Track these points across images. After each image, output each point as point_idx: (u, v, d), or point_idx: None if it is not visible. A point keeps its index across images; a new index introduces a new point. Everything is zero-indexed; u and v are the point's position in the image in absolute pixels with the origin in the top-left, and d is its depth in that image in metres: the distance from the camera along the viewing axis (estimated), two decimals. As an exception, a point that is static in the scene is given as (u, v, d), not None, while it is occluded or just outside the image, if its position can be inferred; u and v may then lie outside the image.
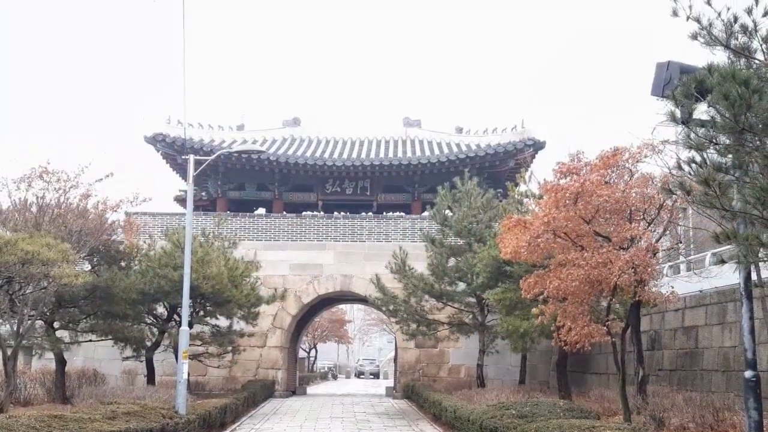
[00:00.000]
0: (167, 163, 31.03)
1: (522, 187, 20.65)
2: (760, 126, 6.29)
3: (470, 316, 23.04)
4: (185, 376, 16.16)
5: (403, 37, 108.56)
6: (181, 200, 30.24)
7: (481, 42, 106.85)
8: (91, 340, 20.69)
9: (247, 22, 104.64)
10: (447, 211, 23.67)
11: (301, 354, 45.00)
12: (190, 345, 17.22)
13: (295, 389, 31.33)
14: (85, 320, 19.56)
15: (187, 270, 16.89)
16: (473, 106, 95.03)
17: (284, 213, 29.76)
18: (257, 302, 23.21)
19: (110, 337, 19.93)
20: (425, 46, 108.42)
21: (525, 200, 19.41)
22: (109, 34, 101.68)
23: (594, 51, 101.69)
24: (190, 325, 18.84)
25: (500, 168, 29.51)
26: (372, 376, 61.08)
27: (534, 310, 14.97)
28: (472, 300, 22.64)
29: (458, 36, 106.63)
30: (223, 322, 22.89)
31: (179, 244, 19.30)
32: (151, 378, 21.28)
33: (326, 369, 61.45)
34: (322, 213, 30.16)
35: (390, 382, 39.46)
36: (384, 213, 30.69)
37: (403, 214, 30.46)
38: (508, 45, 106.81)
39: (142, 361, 21.69)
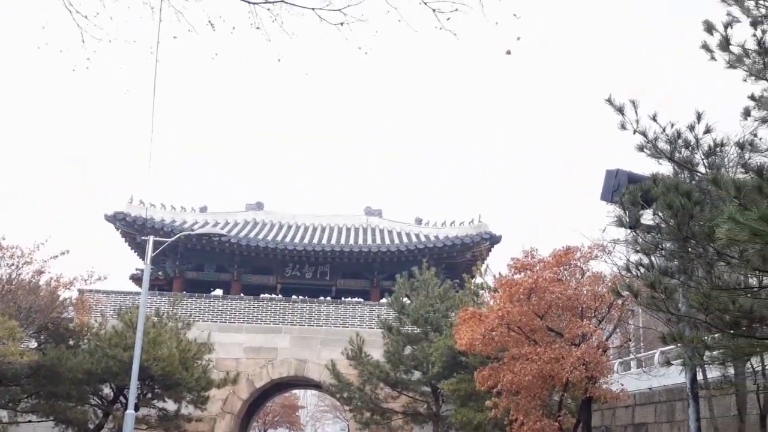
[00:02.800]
0: (126, 241, 30.71)
1: (478, 280, 21.00)
2: (702, 235, 6.67)
3: (425, 406, 22.78)
4: (129, 462, 15.55)
5: (365, 129, 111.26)
6: (137, 279, 29.76)
7: (441, 139, 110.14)
8: (30, 421, 19.79)
9: (214, 108, 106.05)
10: (405, 299, 23.79)
11: (250, 441, 43.46)
12: (135, 428, 16.64)
13: (241, 479, 30.13)
14: (26, 399, 18.79)
15: (137, 351, 16.54)
16: (432, 200, 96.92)
17: (242, 295, 29.45)
18: (208, 386, 22.59)
19: (52, 418, 19.12)
20: (388, 138, 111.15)
21: (481, 292, 19.70)
22: (73, 110, 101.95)
23: (551, 152, 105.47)
24: (137, 408, 18.24)
25: (457, 259, 29.97)
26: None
27: (488, 403, 14.98)
28: (428, 389, 22.46)
29: (420, 130, 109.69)
30: (170, 405, 22.14)
31: (131, 324, 18.93)
32: (91, 463, 20.32)
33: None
34: (280, 296, 29.94)
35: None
36: (343, 298, 30.61)
37: (361, 300, 30.42)
38: (469, 142, 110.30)
39: (83, 445, 20.77)
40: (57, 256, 18.80)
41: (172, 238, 19.68)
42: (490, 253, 30.42)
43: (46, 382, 17.82)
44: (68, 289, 19.22)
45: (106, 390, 20.81)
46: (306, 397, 60.46)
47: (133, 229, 28.82)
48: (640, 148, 7.45)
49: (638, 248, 7.80)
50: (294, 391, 50.11)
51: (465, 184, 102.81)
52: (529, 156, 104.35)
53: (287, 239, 30.23)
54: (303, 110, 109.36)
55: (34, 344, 18.69)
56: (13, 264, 17.68)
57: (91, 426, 20.24)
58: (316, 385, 28.53)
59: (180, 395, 21.42)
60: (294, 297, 29.58)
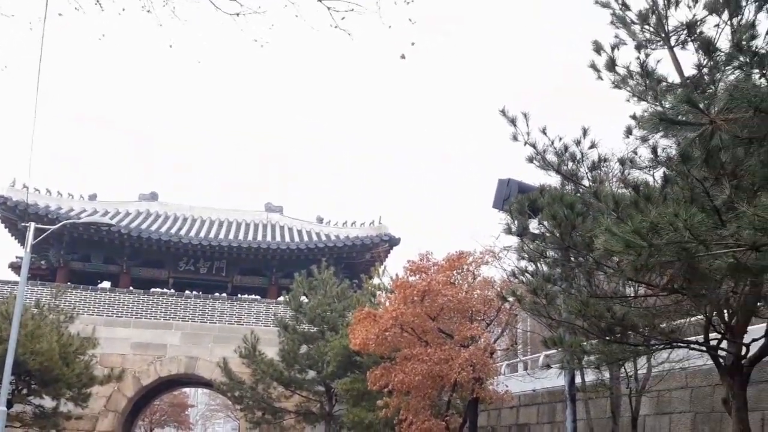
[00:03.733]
0: (6, 227, 28.87)
1: (376, 281, 21.14)
2: (583, 245, 6.97)
3: (318, 405, 22.73)
4: (-3, 462, 14.64)
5: (266, 127, 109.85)
6: (16, 267, 28.04)
7: (343, 142, 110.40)
8: None
9: (110, 96, 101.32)
10: (303, 298, 23.64)
11: (135, 440, 41.92)
12: (7, 426, 15.69)
13: (123, 479, 28.99)
14: None
15: (12, 344, 15.60)
16: (334, 200, 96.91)
17: (131, 288, 28.34)
18: (90, 382, 21.59)
19: None
20: (289, 137, 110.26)
21: (378, 293, 19.84)
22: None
23: (451, 158, 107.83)
24: (10, 405, 17.20)
25: (357, 260, 30.10)
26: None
27: (379, 402, 15.11)
28: (321, 389, 22.42)
29: (321, 133, 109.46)
30: (48, 402, 21.02)
31: (7, 315, 17.82)
32: (-45, 464, 18.97)
33: (162, 457, 57.41)
34: (172, 291, 29.01)
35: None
36: (239, 295, 30.05)
37: (258, 297, 29.98)
38: (371, 147, 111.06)
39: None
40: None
41: (56, 226, 18.66)
42: (389, 255, 30.76)
43: None
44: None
45: (-24, 385, 19.51)
46: (197, 395, 58.95)
47: (14, 215, 27.12)
48: (530, 160, 7.71)
49: (524, 255, 8.06)
50: (184, 390, 48.74)
51: (367, 187, 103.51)
52: (429, 162, 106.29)
53: (182, 232, 29.36)
54: (205, 103, 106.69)
55: None
56: None
57: (-42, 423, 18.92)
58: (207, 384, 27.87)
59: (59, 392, 20.36)
60: (187, 292, 28.76)
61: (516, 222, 7.79)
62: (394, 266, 23.44)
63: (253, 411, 23.00)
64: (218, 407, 58.25)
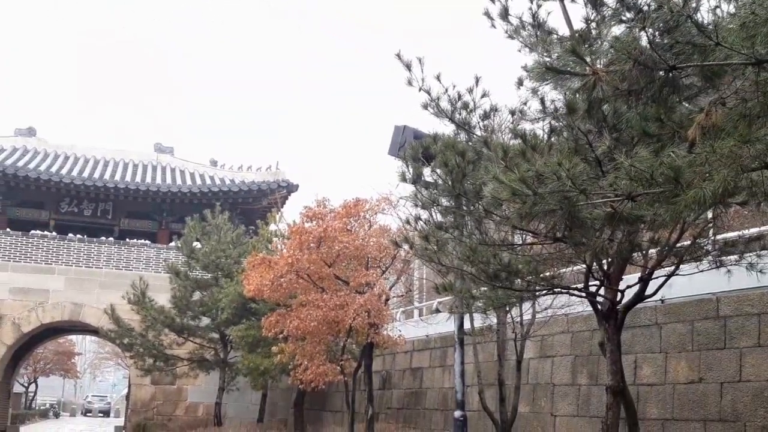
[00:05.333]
0: None
1: (273, 227, 20.89)
2: (473, 193, 7.08)
3: (212, 353, 22.50)
4: None
5: (160, 60, 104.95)
6: None
7: (242, 85, 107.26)
8: None
9: None
10: (195, 244, 23.09)
11: (18, 389, 40.27)
12: None
13: (5, 429, 27.86)
14: None
15: None
16: (229, 144, 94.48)
17: (8, 230, 26.64)
18: (-36, 330, 20.41)
19: None
20: (185, 74, 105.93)
21: (275, 240, 19.64)
22: None
23: (350, 105, 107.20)
24: None
25: (253, 206, 29.54)
26: (101, 414, 56.52)
27: (274, 349, 15.12)
28: (216, 336, 22.17)
29: (222, 75, 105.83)
30: None
31: None
32: None
33: (48, 406, 55.55)
34: (54, 233, 27.52)
35: (122, 421, 36.79)
36: (127, 239, 28.92)
37: (147, 242, 28.95)
38: (270, 91, 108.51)
39: None
40: None
41: None
42: (286, 202, 30.34)
43: None
44: None
45: None
46: (84, 343, 57.13)
47: None
48: (425, 106, 7.68)
49: (418, 203, 8.11)
50: (70, 337, 47.05)
51: (264, 132, 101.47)
52: (330, 109, 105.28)
53: (63, 171, 27.67)
54: (92, 30, 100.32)
55: None
56: None
57: None
58: (94, 331, 26.90)
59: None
60: (70, 235, 27.35)
61: (410, 169, 7.80)
62: (292, 213, 23.23)
63: (144, 358, 22.49)
64: (108, 355, 56.75)
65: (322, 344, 14.36)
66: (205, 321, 22.10)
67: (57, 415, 55.31)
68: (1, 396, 26.58)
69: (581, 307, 10.41)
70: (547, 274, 7.66)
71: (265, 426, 21.28)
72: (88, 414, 57.21)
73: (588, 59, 4.98)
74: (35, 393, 49.61)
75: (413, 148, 7.54)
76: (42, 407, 52.92)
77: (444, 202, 7.69)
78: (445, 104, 7.49)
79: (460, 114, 7.53)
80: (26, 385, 46.45)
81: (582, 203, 5.40)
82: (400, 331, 15.11)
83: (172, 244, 27.61)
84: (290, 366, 15.41)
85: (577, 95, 5.54)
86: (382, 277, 13.68)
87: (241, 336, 19.16)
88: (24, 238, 25.92)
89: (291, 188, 29.93)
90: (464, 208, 7.49)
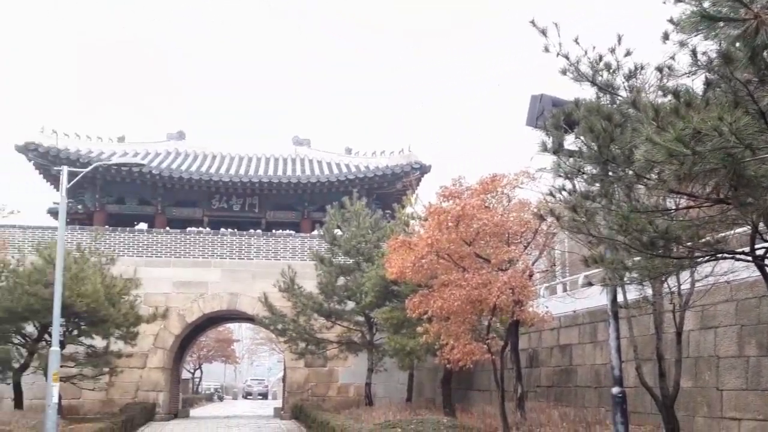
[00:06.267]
0: (40, 173, 29.28)
1: (408, 209, 21.06)
2: (622, 158, 6.71)
3: (359, 335, 23.16)
4: (55, 399, 15.31)
5: (294, 58, 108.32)
6: (54, 213, 28.59)
7: (370, 69, 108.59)
8: (-48, 362, 19.18)
9: (133, 34, 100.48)
10: (336, 231, 23.78)
11: (186, 375, 43.51)
12: (62, 366, 16.34)
13: (177, 412, 30.21)
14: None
15: (58, 287, 16.01)
16: (362, 129, 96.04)
17: (167, 229, 28.77)
18: (137, 321, 22.29)
19: (-27, 358, 18.54)
20: (317, 68, 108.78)
21: (411, 222, 19.79)
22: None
23: (481, 80, 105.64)
24: (63, 346, 17.84)
25: (388, 189, 29.98)
26: (260, 397, 59.81)
27: (419, 329, 15.24)
28: (361, 319, 22.79)
29: (348, 59, 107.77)
30: (99, 342, 21.81)
31: (51, 260, 18.27)
32: (18, 402, 20.00)
33: (212, 390, 59.64)
34: (208, 229, 29.40)
35: (279, 403, 38.85)
36: (273, 231, 30.34)
37: (292, 232, 30.24)
38: (398, 72, 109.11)
39: (9, 384, 20.38)
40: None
41: (87, 169, 18.84)
42: (420, 183, 30.52)
43: (-35, 323, 17.16)
44: (-20, 224, 18.32)
45: (30, 328, 20.27)
46: (241, 330, 60.65)
47: (46, 160, 27.44)
48: (563, 72, 7.37)
49: (561, 173, 7.82)
50: (228, 325, 50.14)
51: (394, 114, 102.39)
52: (459, 85, 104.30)
53: (212, 170, 29.48)
54: (229, 37, 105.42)
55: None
56: None
57: (16, 365, 19.77)
58: (250, 319, 28.51)
59: (108, 331, 21.08)
60: (222, 230, 29.13)
61: (551, 138, 7.53)
62: (426, 194, 23.21)
63: (297, 342, 23.55)
64: (262, 341, 59.92)
65: (466, 323, 14.28)
66: (350, 305, 22.78)
67: (221, 399, 59.27)
68: (172, 381, 28.82)
69: (747, 272, 9.65)
70: (708, 238, 7.15)
71: (414, 405, 21.62)
72: (248, 397, 60.76)
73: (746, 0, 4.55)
74: (200, 378, 53.40)
75: (554, 116, 7.25)
76: (207, 391, 56.91)
77: (590, 169, 7.35)
78: (585, 68, 7.15)
79: (601, 76, 7.16)
80: (192, 371, 50.06)
81: (748, 159, 4.98)
82: (547, 307, 14.75)
83: (315, 232, 28.64)
84: (436, 346, 15.48)
85: (736, 44, 5.09)
86: (524, 252, 13.39)
87: (385, 318, 19.50)
88: (182, 236, 27.89)
89: (424, 169, 30.05)
90: (613, 174, 7.13)
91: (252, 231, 29.40)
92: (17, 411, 18.63)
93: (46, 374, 17.37)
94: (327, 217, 23.89)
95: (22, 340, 20.30)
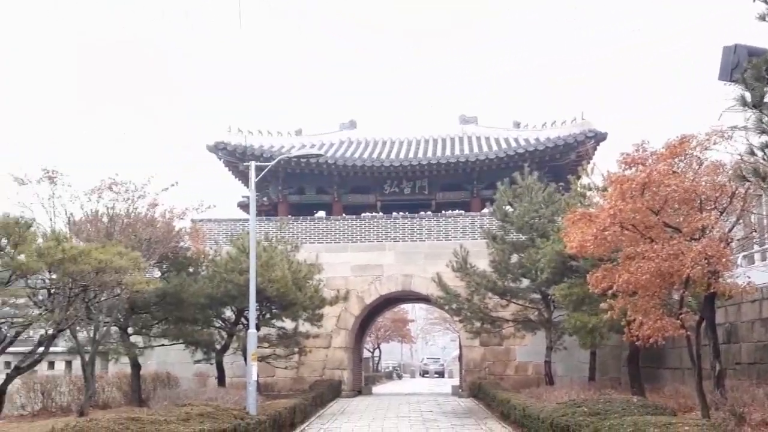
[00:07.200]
0: (229, 170, 31.72)
1: (585, 180, 20.21)
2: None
3: (536, 313, 22.72)
4: (255, 377, 16.46)
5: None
6: (243, 206, 30.87)
7: (535, 37, 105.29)
8: (163, 345, 21.30)
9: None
10: (507, 207, 23.40)
11: (366, 354, 45.24)
12: (257, 347, 17.52)
13: (360, 389, 31.50)
14: (157, 325, 20.16)
15: (252, 274, 17.18)
16: (530, 101, 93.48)
17: (344, 215, 29.99)
18: (321, 304, 23.46)
19: (181, 341, 20.50)
20: (478, 44, 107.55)
21: (588, 193, 18.99)
22: (164, 45, 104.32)
23: (653, 37, 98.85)
24: (257, 328, 19.18)
25: (561, 161, 29.00)
26: (437, 375, 60.80)
27: (603, 305, 14.62)
28: (537, 296, 22.33)
29: (511, 31, 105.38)
30: (288, 324, 23.23)
31: (244, 249, 19.68)
32: (221, 380, 21.77)
33: (390, 368, 61.52)
34: (381, 214, 30.25)
35: (455, 381, 39.29)
36: (443, 211, 30.56)
37: (462, 212, 30.25)
38: (564, 38, 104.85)
39: (212, 364, 22.20)
40: (167, 188, 19.61)
41: (272, 162, 20.04)
42: (596, 152, 29.19)
43: (173, 308, 18.99)
44: (181, 219, 20.14)
45: (228, 313, 22.00)
46: (415, 310, 61.88)
47: (234, 158, 29.68)
48: (762, 18, 6.65)
49: (764, 129, 7.12)
50: (403, 306, 51.40)
51: (563, 80, 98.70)
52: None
53: (383, 156, 30.24)
54: (388, 23, 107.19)
55: (157, 274, 19.85)
56: (128, 198, 18.58)
57: (218, 346, 21.55)
58: (424, 299, 29.00)
59: (296, 314, 22.38)
60: (395, 214, 29.83)
61: (751, 91, 6.86)
62: (603, 164, 21.95)
63: (472, 322, 23.56)
64: (436, 321, 60.73)
65: (656, 298, 13.47)
66: (525, 282, 22.38)
67: (399, 377, 61.02)
68: (355, 360, 30.11)
69: None
70: None
71: (597, 384, 20.87)
72: (425, 375, 62.01)
73: None
74: (380, 357, 55.29)
75: (755, 66, 6.58)
76: (386, 370, 58.83)
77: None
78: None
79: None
80: (372, 350, 51.96)
81: None
82: (749, 278, 13.55)
83: (485, 210, 28.45)
84: (621, 323, 14.78)
85: None
86: (720, 218, 12.35)
87: (564, 295, 18.93)
88: (357, 221, 28.96)
89: (599, 137, 28.75)
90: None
91: (423, 213, 29.83)
92: (221, 388, 20.33)
93: (244, 355, 18.79)
94: (497, 194, 23.58)
95: (222, 324, 22.09)
